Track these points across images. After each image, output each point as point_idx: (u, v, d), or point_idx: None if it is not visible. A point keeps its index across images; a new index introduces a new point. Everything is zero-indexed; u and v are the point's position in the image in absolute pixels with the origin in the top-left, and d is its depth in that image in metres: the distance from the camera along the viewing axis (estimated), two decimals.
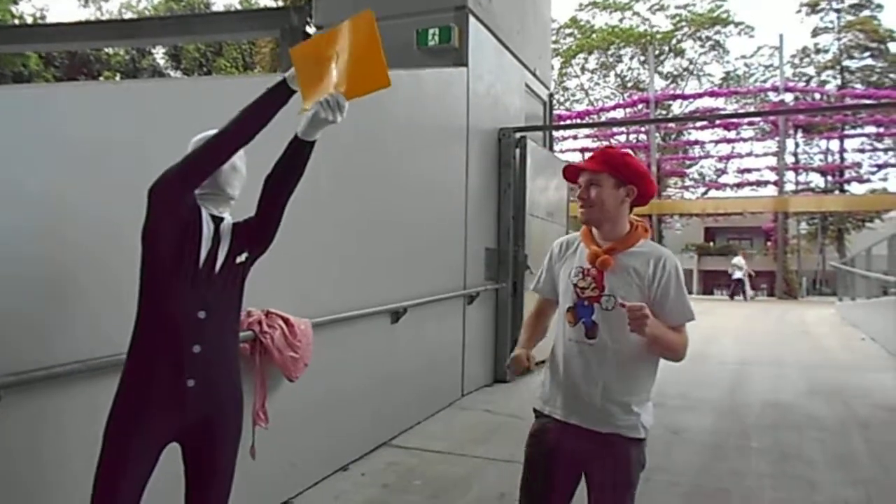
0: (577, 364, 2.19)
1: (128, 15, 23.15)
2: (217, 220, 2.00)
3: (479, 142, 6.71)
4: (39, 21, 20.46)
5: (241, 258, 2.04)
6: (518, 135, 7.29)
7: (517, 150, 7.25)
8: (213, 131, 1.98)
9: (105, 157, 2.54)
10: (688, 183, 30.81)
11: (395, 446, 4.72)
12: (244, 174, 2.09)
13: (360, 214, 4.43)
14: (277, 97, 1.91)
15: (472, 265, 6.46)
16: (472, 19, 6.43)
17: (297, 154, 1.99)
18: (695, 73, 31.59)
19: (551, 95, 9.47)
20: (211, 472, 2.02)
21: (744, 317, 14.90)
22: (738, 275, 21.68)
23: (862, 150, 26.86)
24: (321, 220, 3.79)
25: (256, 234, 2.09)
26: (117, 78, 20.55)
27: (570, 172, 2.30)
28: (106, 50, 20.66)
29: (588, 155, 2.55)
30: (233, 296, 2.04)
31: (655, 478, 3.87)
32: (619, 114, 28.01)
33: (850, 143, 27.22)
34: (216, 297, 1.97)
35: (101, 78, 19.86)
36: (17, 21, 19.46)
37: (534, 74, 8.46)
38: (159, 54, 23.18)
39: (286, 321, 3.30)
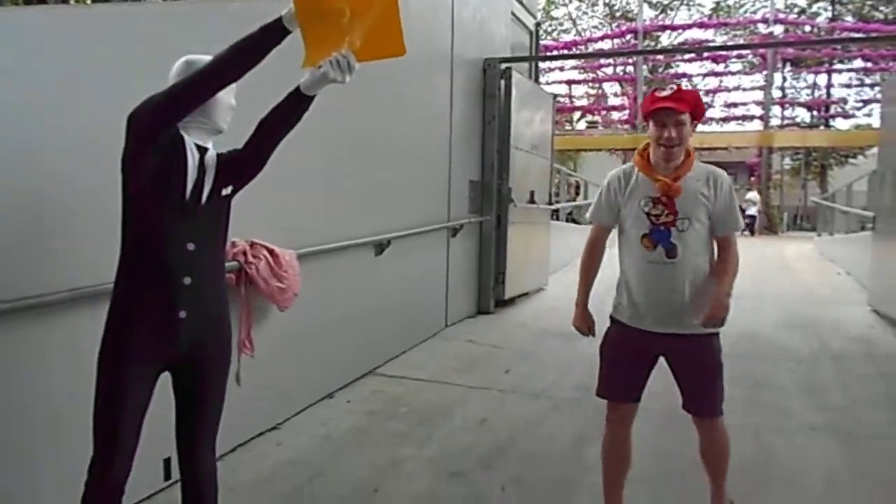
0: (659, 281, 2.44)
1: None
2: (202, 151, 1.96)
3: (464, 72, 6.59)
4: None
5: (227, 191, 2.02)
6: (503, 66, 7.17)
7: (502, 82, 7.14)
8: (197, 56, 1.93)
9: (83, 80, 2.48)
10: None
11: (380, 375, 4.82)
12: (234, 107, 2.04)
13: (343, 146, 4.38)
14: (272, 36, 1.81)
15: (455, 198, 6.45)
16: None
17: (296, 106, 1.96)
18: (685, 1, 30.91)
19: (538, 25, 9.27)
20: (202, 399, 2.05)
21: None
22: (752, 210, 21.24)
23: (849, 86, 26.64)
24: (304, 152, 3.73)
25: (242, 169, 2.06)
26: (88, 2, 19.75)
27: (656, 111, 2.38)
28: None
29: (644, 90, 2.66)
30: (219, 227, 2.03)
31: None
32: (606, 45, 27.47)
33: (837, 79, 27.00)
34: (204, 228, 1.95)
35: (70, 1, 19.09)
36: None
37: (520, 2, 8.25)
38: None
39: (271, 252, 3.31)
